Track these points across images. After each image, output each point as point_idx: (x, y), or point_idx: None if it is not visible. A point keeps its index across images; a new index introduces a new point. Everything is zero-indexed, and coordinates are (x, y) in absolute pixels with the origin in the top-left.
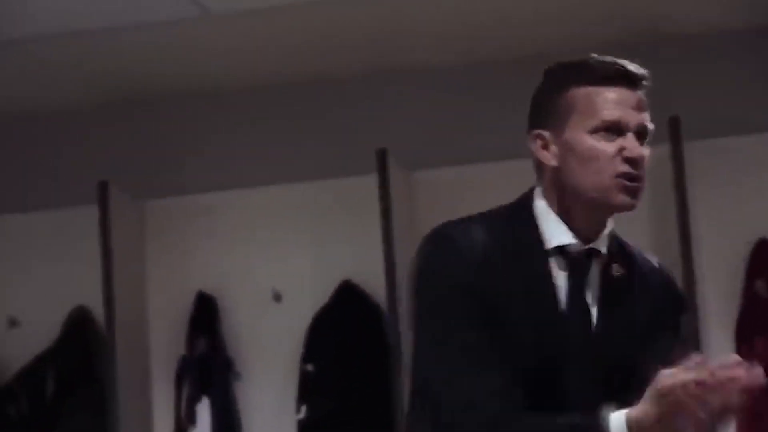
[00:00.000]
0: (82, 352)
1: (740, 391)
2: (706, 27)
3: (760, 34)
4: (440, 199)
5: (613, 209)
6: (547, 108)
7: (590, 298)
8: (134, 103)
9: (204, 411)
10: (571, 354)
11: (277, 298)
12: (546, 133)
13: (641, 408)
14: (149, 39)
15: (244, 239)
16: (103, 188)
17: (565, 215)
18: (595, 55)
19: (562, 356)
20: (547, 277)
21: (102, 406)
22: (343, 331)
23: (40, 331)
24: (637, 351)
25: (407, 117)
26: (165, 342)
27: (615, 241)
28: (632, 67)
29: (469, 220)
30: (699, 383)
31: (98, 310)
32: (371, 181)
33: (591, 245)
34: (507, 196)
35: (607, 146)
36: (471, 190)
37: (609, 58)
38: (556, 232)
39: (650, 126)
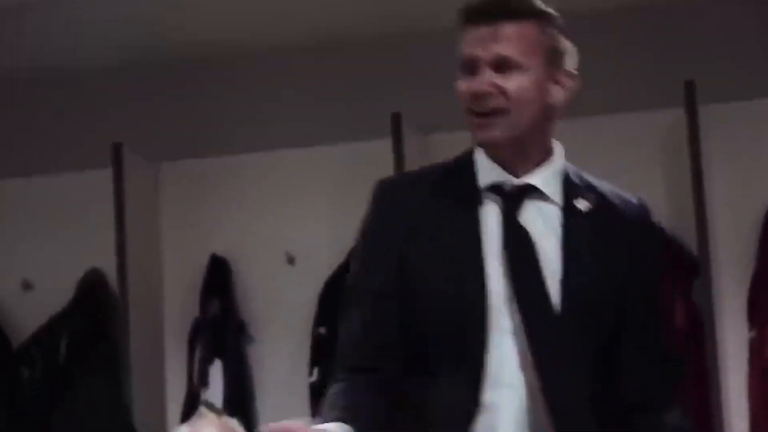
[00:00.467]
0: (96, 315)
1: None
2: None
3: None
4: None
5: (480, 147)
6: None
7: (540, 234)
8: (149, 65)
9: (217, 373)
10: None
11: (291, 261)
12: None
13: None
14: (166, 1)
15: (258, 202)
16: (117, 150)
17: (487, 152)
18: None
19: (480, 301)
20: (474, 219)
21: (115, 369)
22: None
23: (53, 294)
24: (610, 289)
25: (422, 80)
26: (178, 304)
27: (578, 176)
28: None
29: (418, 171)
30: None
31: (112, 273)
32: (386, 145)
33: (525, 180)
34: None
35: (462, 85)
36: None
37: None
38: (486, 172)
39: (508, 53)
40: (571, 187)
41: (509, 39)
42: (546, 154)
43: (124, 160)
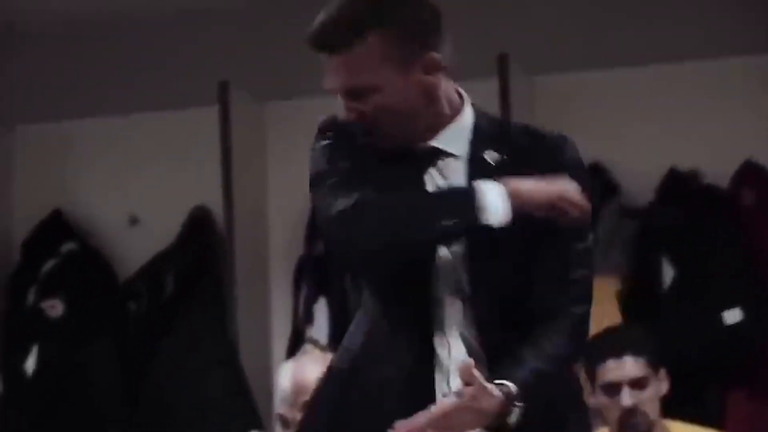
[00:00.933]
0: (202, 252)
1: None
2: None
3: None
4: (561, 106)
5: None
6: None
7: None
8: (256, 2)
9: (321, 311)
10: None
11: None
12: None
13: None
14: None
15: None
16: (224, 88)
17: None
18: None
19: None
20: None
21: (221, 305)
22: None
23: (160, 230)
24: (516, 234)
25: (529, 21)
26: (284, 242)
27: (494, 126)
28: (317, 30)
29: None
30: None
31: (218, 211)
32: (493, 86)
33: (431, 143)
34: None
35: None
36: (592, 97)
37: (315, 22)
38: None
39: (352, 83)
40: (479, 140)
41: (349, 69)
42: (447, 119)
43: (231, 98)
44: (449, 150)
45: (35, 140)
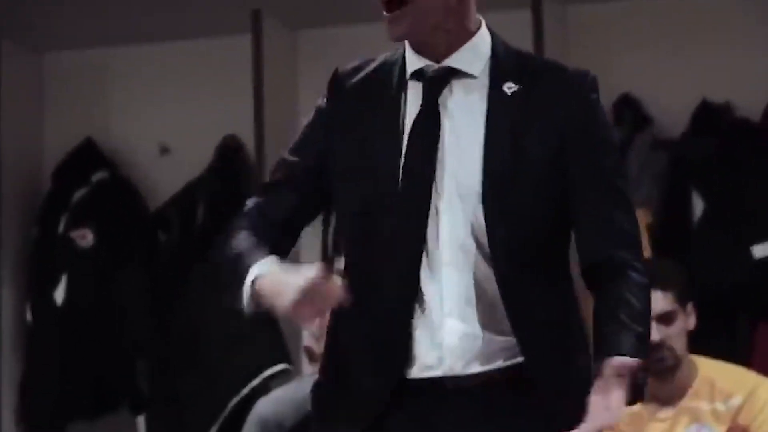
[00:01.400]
0: (233, 181)
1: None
2: None
3: None
4: (595, 36)
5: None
6: None
7: (465, 116)
8: None
9: None
10: (406, 187)
11: None
12: None
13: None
14: None
15: None
16: (257, 17)
17: (409, 41)
18: None
19: (390, 189)
20: (395, 110)
21: None
22: None
23: (191, 159)
24: (533, 168)
25: None
26: None
27: (512, 56)
28: None
29: (367, 64)
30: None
31: (249, 140)
32: (525, 17)
33: (445, 63)
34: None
35: None
36: (625, 27)
37: None
38: (412, 61)
39: None
40: (498, 68)
41: None
42: (468, 35)
43: (263, 26)
44: (466, 70)
45: (65, 68)
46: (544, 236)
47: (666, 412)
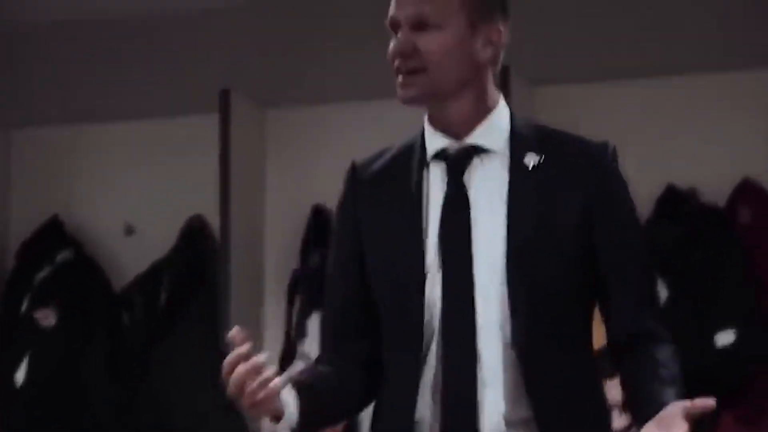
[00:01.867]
0: (197, 263)
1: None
2: None
3: None
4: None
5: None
6: None
7: (487, 193)
8: (258, 7)
9: (314, 326)
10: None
11: None
12: None
13: None
14: None
15: (363, 155)
16: (225, 96)
17: (429, 120)
18: None
19: (417, 275)
20: (418, 192)
21: (214, 317)
22: None
23: (156, 239)
24: (556, 243)
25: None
26: (280, 255)
27: (529, 129)
28: None
29: (386, 150)
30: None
31: (215, 221)
32: None
33: (467, 141)
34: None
35: (390, 46)
36: (590, 109)
37: None
38: (432, 140)
39: (422, 12)
40: (518, 142)
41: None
42: (486, 111)
43: (232, 106)
44: (487, 146)
45: (32, 145)
46: (567, 308)
47: None
